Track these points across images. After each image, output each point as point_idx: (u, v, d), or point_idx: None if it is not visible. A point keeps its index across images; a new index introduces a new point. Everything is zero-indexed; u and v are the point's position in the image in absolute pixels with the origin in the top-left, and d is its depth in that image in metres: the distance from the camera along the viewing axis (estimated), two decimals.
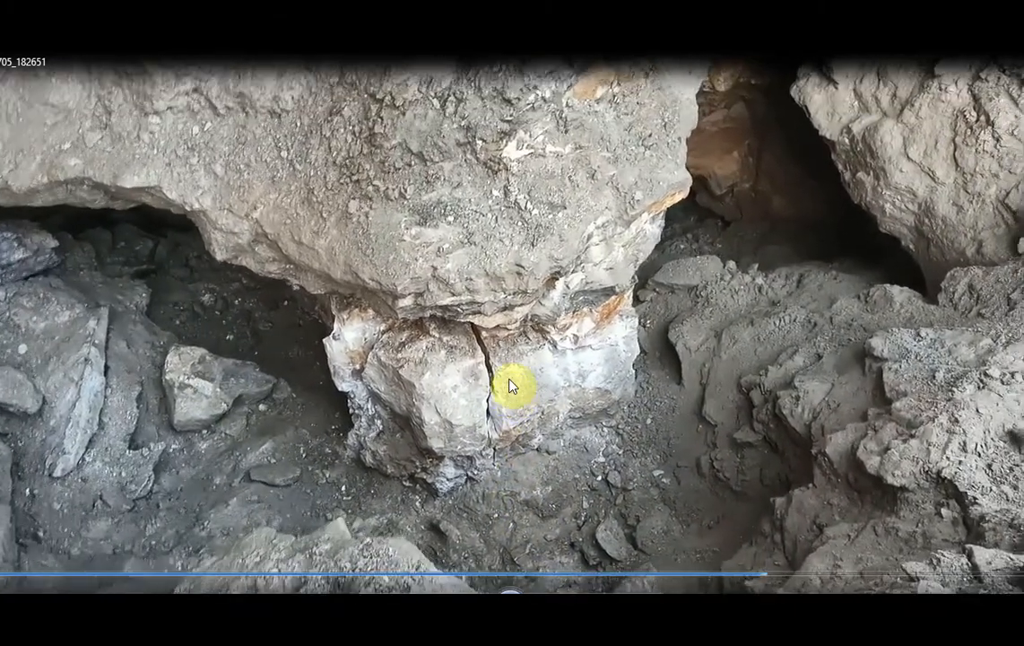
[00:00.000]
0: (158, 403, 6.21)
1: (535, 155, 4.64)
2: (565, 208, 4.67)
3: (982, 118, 5.58)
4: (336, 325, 5.47)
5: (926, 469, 3.88)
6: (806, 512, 4.53)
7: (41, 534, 5.37)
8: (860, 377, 5.08)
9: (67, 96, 4.62)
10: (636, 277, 5.53)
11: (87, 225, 7.36)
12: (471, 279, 4.60)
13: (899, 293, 5.84)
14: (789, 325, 6.12)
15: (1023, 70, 5.44)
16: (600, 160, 4.77)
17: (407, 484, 6.00)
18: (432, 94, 4.43)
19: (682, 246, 8.59)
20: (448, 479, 5.85)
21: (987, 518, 3.51)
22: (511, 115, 4.44)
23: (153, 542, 5.56)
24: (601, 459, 6.17)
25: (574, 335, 5.56)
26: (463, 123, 4.41)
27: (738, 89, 7.33)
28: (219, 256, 5.06)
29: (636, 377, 6.25)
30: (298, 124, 4.71)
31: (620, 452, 6.19)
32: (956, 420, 3.99)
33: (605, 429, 6.23)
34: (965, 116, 5.66)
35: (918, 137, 5.85)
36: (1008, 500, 3.56)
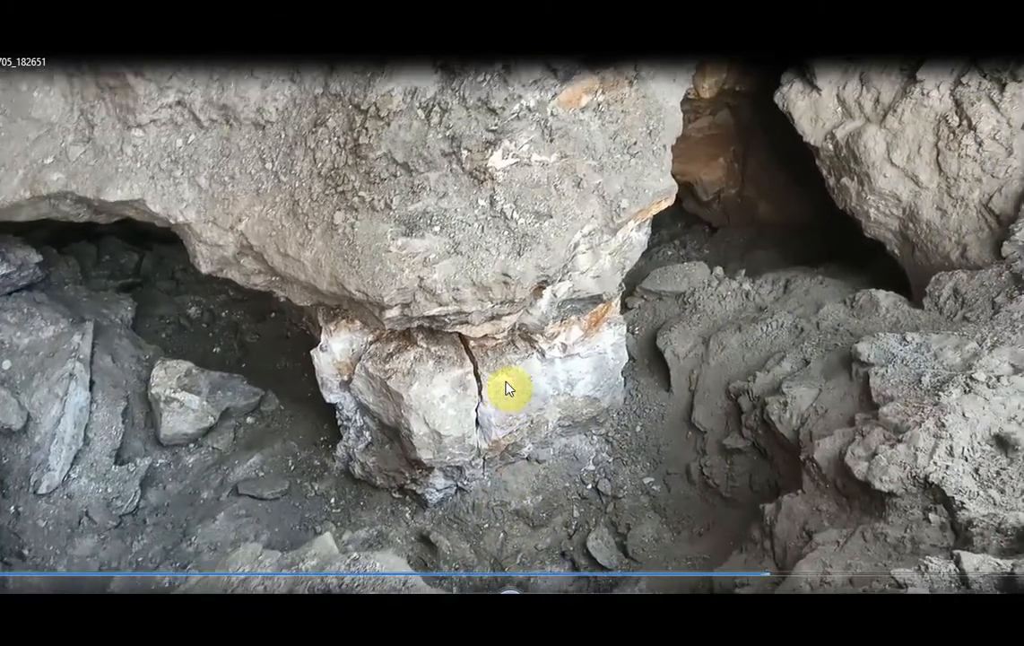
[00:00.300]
0: (144, 418, 6.15)
1: (521, 164, 4.64)
2: (551, 217, 4.67)
3: (964, 123, 5.62)
4: (323, 337, 5.45)
5: (913, 474, 3.89)
6: (795, 518, 4.54)
7: (26, 552, 5.29)
8: (847, 382, 5.09)
9: (49, 110, 4.57)
10: (623, 284, 5.52)
11: (71, 239, 7.30)
12: (458, 289, 4.59)
13: (885, 298, 5.86)
14: (776, 331, 6.13)
15: (1004, 74, 5.48)
16: (586, 168, 4.77)
17: (397, 496, 5.96)
18: (417, 104, 4.42)
19: (669, 252, 8.59)
20: (438, 490, 5.83)
21: (975, 522, 3.52)
22: (496, 125, 4.44)
23: (140, 558, 5.49)
24: (591, 467, 6.16)
25: (562, 344, 5.56)
26: (448, 133, 4.40)
27: (723, 96, 7.35)
28: (204, 269, 5.02)
29: (625, 385, 6.25)
30: (282, 136, 4.68)
31: (610, 460, 6.18)
32: (943, 424, 4.00)
33: (595, 437, 6.23)
34: (947, 121, 5.70)
35: (901, 142, 5.88)
36: (995, 504, 3.57)
